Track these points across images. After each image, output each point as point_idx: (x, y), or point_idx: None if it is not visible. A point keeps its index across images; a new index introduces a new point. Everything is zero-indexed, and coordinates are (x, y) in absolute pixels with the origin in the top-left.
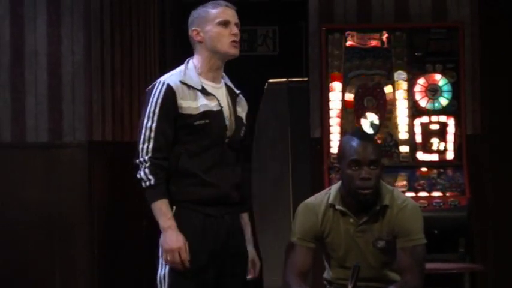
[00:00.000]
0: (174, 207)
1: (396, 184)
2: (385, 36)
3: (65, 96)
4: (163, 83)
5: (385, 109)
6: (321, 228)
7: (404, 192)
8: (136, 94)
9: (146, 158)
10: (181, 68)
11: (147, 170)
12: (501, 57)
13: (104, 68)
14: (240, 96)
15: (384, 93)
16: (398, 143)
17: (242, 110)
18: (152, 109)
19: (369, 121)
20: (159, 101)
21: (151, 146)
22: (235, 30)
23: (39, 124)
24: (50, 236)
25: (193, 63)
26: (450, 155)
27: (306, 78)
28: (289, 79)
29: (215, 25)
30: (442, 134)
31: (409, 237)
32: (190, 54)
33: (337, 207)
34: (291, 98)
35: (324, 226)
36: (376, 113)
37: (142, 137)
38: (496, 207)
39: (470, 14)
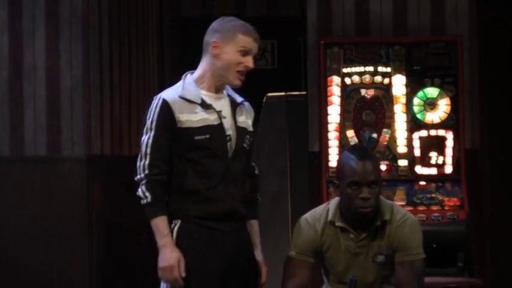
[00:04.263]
0: (179, 221)
1: (395, 198)
2: (383, 50)
3: (64, 110)
4: (159, 98)
5: (384, 123)
6: (320, 243)
7: (402, 206)
8: (135, 108)
9: (143, 175)
10: (180, 83)
11: (143, 187)
12: (500, 71)
13: (103, 82)
14: (244, 103)
15: (382, 107)
16: (396, 156)
17: (246, 118)
18: (149, 125)
19: (367, 135)
20: (155, 116)
21: (147, 162)
22: (251, 64)
23: (37, 138)
24: (48, 250)
25: (194, 76)
26: (449, 169)
27: (304, 92)
28: (288, 93)
29: (236, 51)
30: (440, 147)
31: (408, 251)
32: (189, 68)
33: (337, 223)
34: (289, 112)
35: (323, 241)
36: (374, 127)
37: (140, 153)
38: (495, 221)
39: (468, 29)
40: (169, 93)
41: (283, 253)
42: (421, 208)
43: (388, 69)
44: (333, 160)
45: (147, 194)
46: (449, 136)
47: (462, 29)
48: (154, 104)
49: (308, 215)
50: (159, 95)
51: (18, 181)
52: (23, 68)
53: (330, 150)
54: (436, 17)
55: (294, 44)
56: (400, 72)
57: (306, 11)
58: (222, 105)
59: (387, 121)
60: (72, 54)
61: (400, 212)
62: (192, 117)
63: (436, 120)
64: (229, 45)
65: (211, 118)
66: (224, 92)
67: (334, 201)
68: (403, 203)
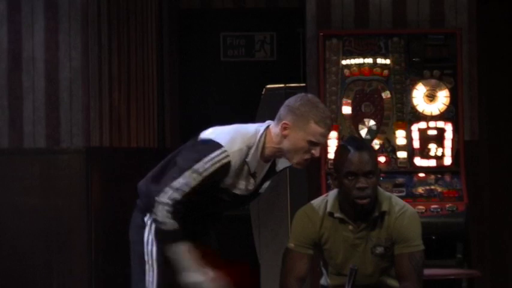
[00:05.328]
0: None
1: (394, 190)
2: (382, 42)
3: (63, 102)
4: (226, 156)
5: (383, 115)
6: (319, 235)
7: (401, 198)
8: (134, 100)
9: (170, 202)
10: (255, 141)
11: (169, 215)
12: (498, 63)
13: (102, 73)
14: (276, 171)
15: (381, 99)
16: (395, 148)
17: (265, 186)
18: (200, 170)
19: (366, 127)
20: (210, 170)
21: (178, 197)
22: (318, 153)
23: (36, 130)
24: (47, 242)
25: (265, 139)
26: (448, 161)
27: (303, 84)
28: (287, 85)
29: (305, 140)
30: (439, 139)
31: (407, 243)
32: (187, 61)
33: (336, 215)
34: None
35: (322, 233)
36: (373, 119)
37: (177, 183)
38: (494, 212)
39: (467, 21)
40: (239, 155)
41: (282, 245)
42: (420, 200)
43: (387, 61)
44: (332, 152)
45: (172, 221)
46: (449, 128)
47: (461, 21)
48: (219, 158)
49: (307, 207)
50: (229, 151)
51: (18, 173)
52: (22, 60)
53: (329, 142)
54: (435, 9)
55: (293, 36)
56: (399, 64)
57: (304, 3)
58: (262, 170)
59: (386, 113)
60: (71, 46)
61: (398, 204)
62: (234, 183)
63: (435, 112)
64: (300, 132)
65: (246, 188)
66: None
67: (332, 193)
68: (402, 194)
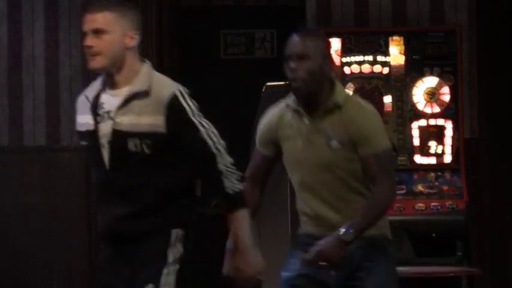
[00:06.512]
0: None
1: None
2: (382, 40)
3: (63, 100)
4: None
5: (383, 112)
6: (277, 129)
7: (401, 195)
8: None
9: None
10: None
11: None
12: (498, 61)
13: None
14: (151, 97)
15: (381, 97)
16: (396, 146)
17: (138, 116)
18: None
19: None
20: None
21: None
22: (85, 41)
23: (36, 128)
24: (47, 240)
25: None
26: (448, 159)
27: None
28: (287, 82)
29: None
30: (439, 137)
31: (368, 143)
32: (188, 60)
33: (292, 105)
34: None
35: (280, 126)
36: None
37: None
38: (494, 210)
39: (467, 18)
40: (87, 90)
41: (282, 245)
42: (420, 197)
43: (387, 59)
44: None
45: None
46: (449, 125)
47: (461, 19)
48: None
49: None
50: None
51: (17, 171)
52: (22, 59)
53: None
54: (435, 6)
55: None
56: (399, 62)
57: (305, 1)
58: (114, 103)
59: (386, 110)
60: (71, 44)
61: (357, 101)
62: (80, 119)
63: (435, 109)
64: None
65: (91, 122)
66: (127, 87)
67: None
68: (402, 192)
